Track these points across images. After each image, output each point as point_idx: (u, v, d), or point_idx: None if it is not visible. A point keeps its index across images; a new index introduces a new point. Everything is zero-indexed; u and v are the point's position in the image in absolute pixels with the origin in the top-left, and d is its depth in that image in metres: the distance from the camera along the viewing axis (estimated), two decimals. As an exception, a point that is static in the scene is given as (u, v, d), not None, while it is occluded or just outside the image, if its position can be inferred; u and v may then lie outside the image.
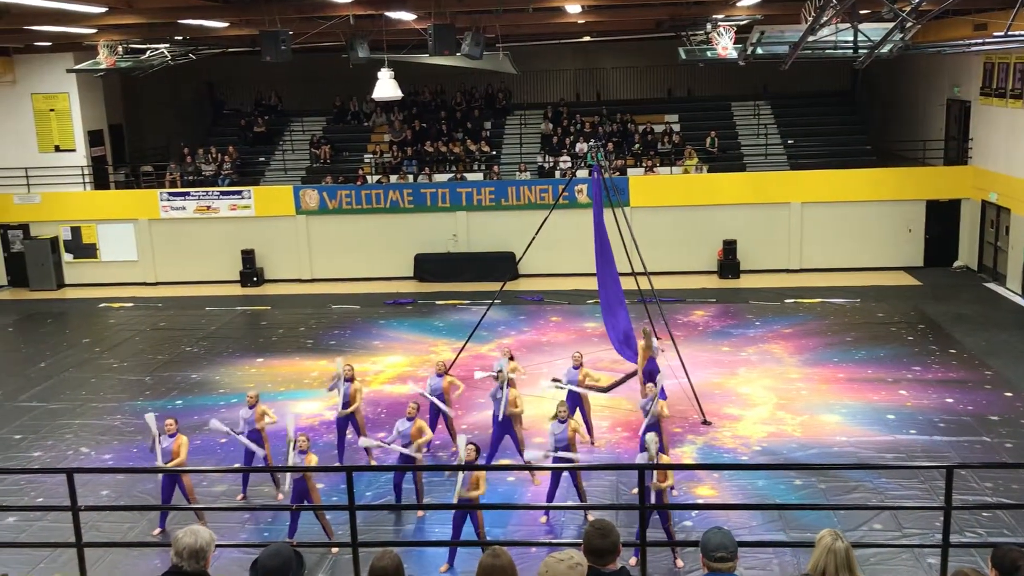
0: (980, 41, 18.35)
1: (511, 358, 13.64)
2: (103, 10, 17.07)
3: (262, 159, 28.31)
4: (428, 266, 25.48)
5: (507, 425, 12.88)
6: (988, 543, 10.36)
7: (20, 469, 13.65)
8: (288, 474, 11.00)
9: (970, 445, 13.48)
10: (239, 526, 11.59)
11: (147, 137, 31.00)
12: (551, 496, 11.45)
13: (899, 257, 24.83)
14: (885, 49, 15.92)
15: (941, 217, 24.67)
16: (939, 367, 16.91)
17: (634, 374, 16.27)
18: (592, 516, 10.90)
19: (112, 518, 11.88)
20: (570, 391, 13.73)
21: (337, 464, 13.10)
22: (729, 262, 24.63)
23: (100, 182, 27.23)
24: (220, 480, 12.96)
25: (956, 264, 24.66)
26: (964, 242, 24.60)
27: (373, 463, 13.03)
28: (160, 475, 11.56)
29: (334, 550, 10.79)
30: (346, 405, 13.28)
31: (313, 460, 10.91)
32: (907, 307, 21.11)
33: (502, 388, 12.85)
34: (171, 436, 11.39)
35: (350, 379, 13.38)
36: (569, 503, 11.75)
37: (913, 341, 18.53)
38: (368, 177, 26.14)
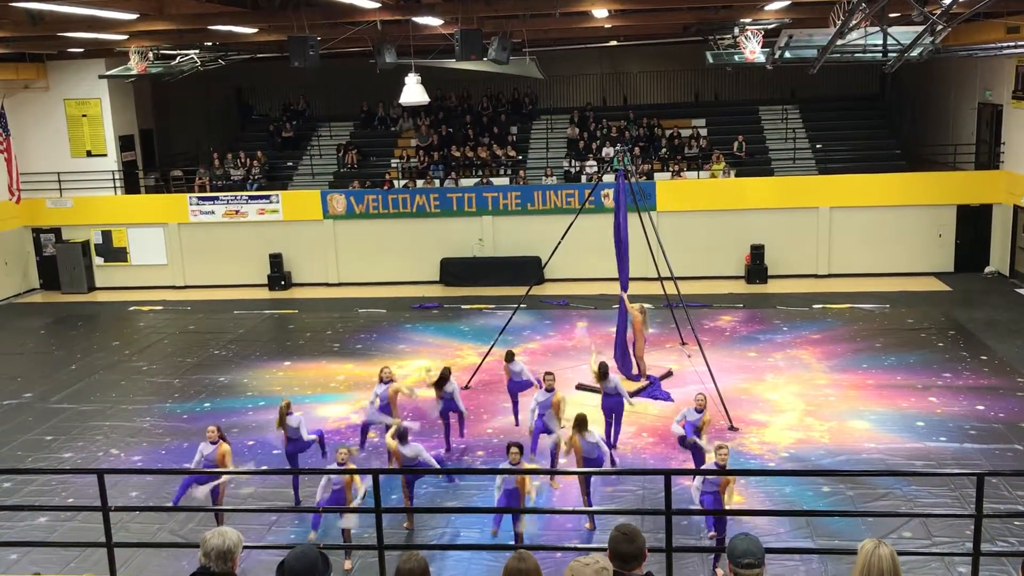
0: (1012, 44, 18.16)
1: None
2: (134, 17, 17.27)
3: (290, 164, 28.51)
4: (454, 270, 25.53)
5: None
6: (1020, 552, 10.25)
7: (51, 470, 13.82)
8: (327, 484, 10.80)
9: (1001, 453, 13.31)
10: (266, 528, 11.66)
11: (177, 142, 31.32)
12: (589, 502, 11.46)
13: (929, 262, 24.56)
14: (915, 52, 15.76)
15: (972, 222, 24.40)
16: (970, 374, 16.72)
17: (669, 375, 16.34)
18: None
19: (141, 519, 12.00)
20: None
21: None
22: (757, 267, 24.49)
23: (131, 187, 27.56)
24: (248, 482, 13.05)
25: (987, 270, 24.37)
26: (995, 247, 24.31)
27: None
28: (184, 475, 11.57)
29: (347, 565, 10.72)
30: (385, 407, 13.30)
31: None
32: (937, 313, 20.88)
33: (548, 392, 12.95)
34: (213, 444, 11.24)
35: (387, 381, 13.39)
36: (596, 508, 11.72)
37: (943, 347, 18.33)
38: (395, 182, 26.25)
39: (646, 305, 16.76)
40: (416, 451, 11.46)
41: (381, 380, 13.40)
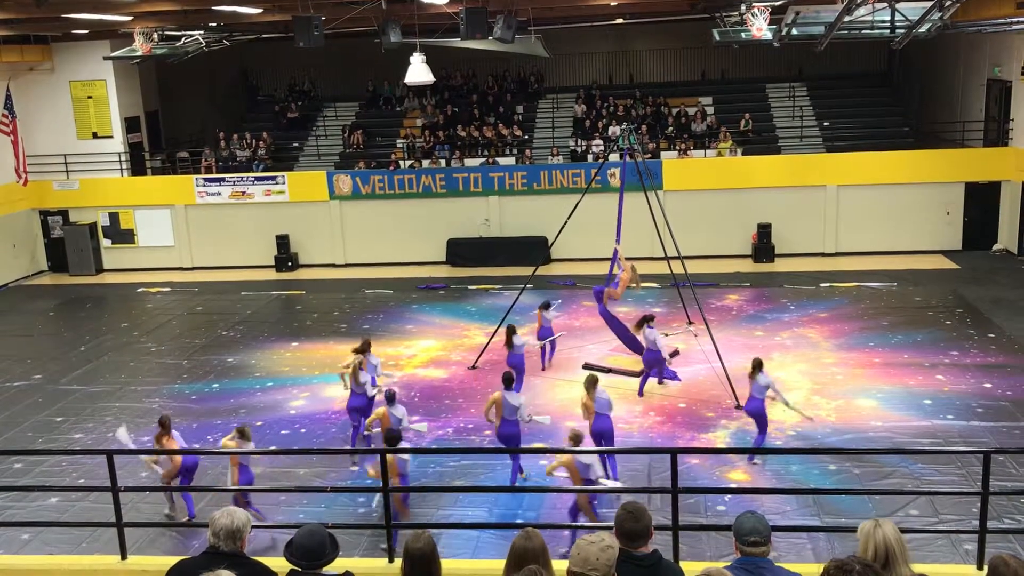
0: (1022, 20, 18.00)
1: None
2: (139, -3, 17.25)
3: (296, 145, 28.47)
4: (460, 251, 25.53)
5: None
6: (1026, 529, 10.27)
7: (62, 451, 13.94)
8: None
9: (1008, 430, 13.30)
10: (274, 507, 11.73)
11: (182, 123, 31.29)
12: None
13: (937, 240, 24.48)
14: (923, 29, 15.67)
15: (980, 199, 24.28)
16: (977, 351, 16.69)
17: (676, 354, 16.33)
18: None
19: (151, 499, 12.08)
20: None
21: (372, 447, 13.19)
22: (763, 246, 24.43)
23: (137, 168, 27.55)
24: (257, 462, 13.09)
25: (995, 247, 24.28)
26: (1004, 225, 24.20)
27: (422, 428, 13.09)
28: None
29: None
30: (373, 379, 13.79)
31: None
32: (945, 291, 20.83)
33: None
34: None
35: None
36: (601, 487, 11.75)
37: (951, 325, 18.30)
38: (400, 162, 26.21)
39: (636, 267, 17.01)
40: (403, 414, 11.97)
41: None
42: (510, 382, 12.11)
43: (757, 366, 12.65)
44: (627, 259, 16.73)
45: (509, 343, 15.18)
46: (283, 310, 22.29)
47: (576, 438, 10.44)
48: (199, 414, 15.25)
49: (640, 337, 15.20)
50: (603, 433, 11.84)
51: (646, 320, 15.08)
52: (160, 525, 11.43)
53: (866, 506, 11.12)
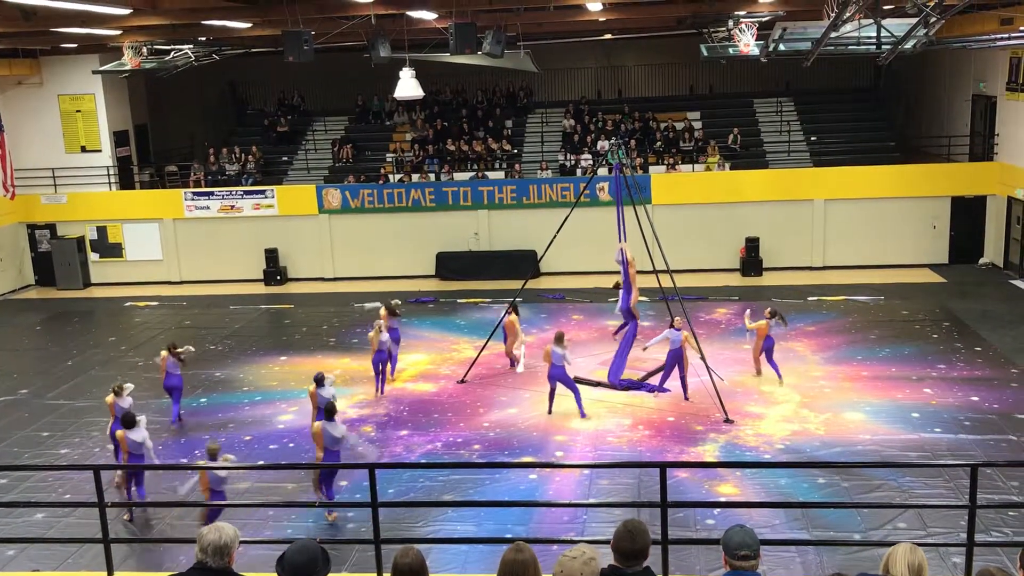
0: (1006, 36, 18.17)
1: None
2: (127, 12, 17.22)
3: (285, 159, 28.46)
4: (450, 264, 25.53)
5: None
6: (1014, 542, 10.31)
7: (48, 466, 13.84)
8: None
9: (996, 443, 13.36)
10: (263, 523, 11.68)
11: (171, 137, 31.25)
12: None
13: (924, 254, 24.62)
14: (909, 45, 15.79)
15: (966, 214, 24.44)
16: (964, 365, 16.77)
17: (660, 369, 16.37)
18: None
19: (138, 514, 11.99)
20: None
21: (363, 447, 13.20)
22: (752, 260, 24.51)
23: (125, 182, 27.49)
24: (245, 476, 13.06)
25: (982, 261, 24.43)
26: (990, 239, 24.36)
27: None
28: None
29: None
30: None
31: None
32: (932, 304, 20.93)
33: None
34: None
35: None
36: (591, 501, 11.76)
37: (938, 339, 18.38)
38: (390, 176, 26.22)
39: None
40: (331, 394, 13.36)
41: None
42: (332, 414, 11.95)
43: (775, 315, 15.75)
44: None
45: (515, 313, 17.23)
46: (272, 324, 22.23)
47: (212, 452, 11.08)
48: (187, 429, 15.18)
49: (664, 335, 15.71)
50: (557, 377, 14.65)
51: (673, 320, 15.58)
52: (146, 541, 11.37)
53: (854, 519, 11.15)
